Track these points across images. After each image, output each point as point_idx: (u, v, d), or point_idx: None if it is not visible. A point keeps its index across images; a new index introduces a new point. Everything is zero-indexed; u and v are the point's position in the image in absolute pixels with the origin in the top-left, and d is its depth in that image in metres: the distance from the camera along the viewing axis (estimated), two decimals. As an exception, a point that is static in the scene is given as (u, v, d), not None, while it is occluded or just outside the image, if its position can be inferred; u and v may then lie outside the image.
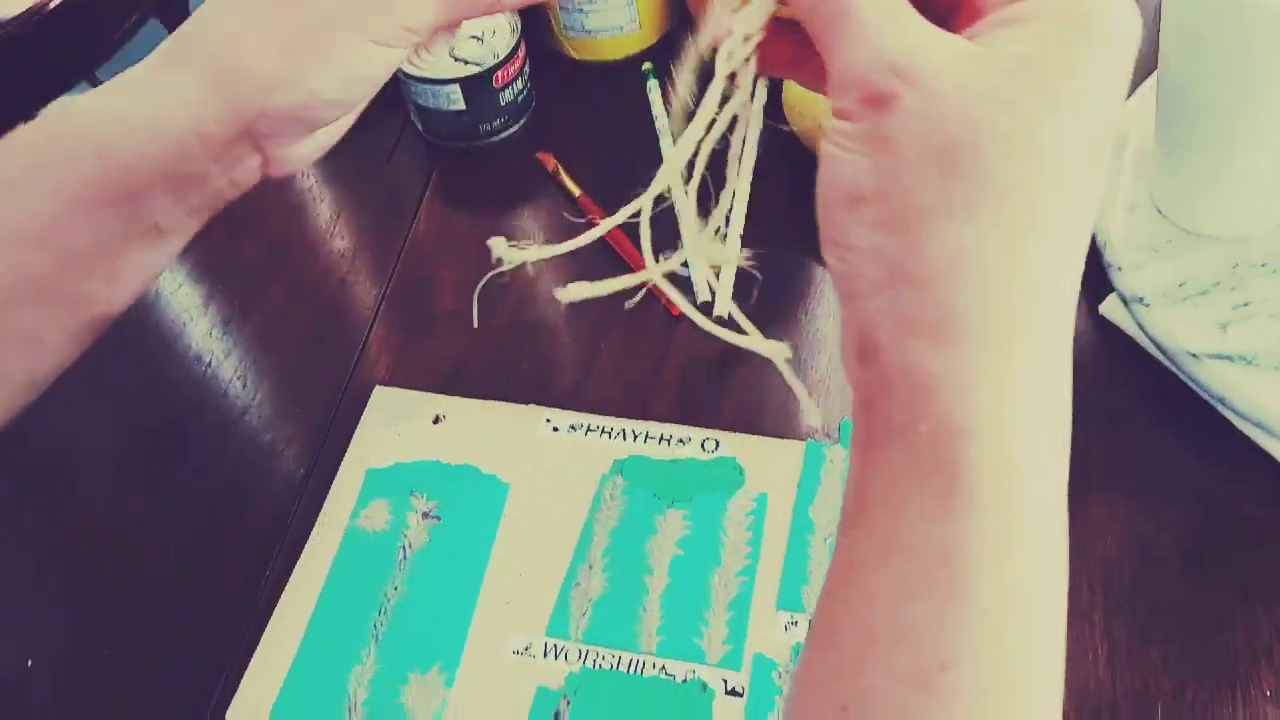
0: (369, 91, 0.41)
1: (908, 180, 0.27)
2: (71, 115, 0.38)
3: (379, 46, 0.39)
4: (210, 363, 0.65)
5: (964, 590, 0.26)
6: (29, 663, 0.53)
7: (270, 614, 0.53)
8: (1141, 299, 0.56)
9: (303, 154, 0.42)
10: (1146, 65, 0.57)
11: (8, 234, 0.37)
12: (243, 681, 0.51)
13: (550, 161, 0.71)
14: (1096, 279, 0.60)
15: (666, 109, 0.71)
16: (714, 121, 0.36)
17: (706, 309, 0.63)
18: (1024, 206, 0.27)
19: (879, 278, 0.27)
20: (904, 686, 0.26)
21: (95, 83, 1.50)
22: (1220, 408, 0.54)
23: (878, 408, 0.28)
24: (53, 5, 1.21)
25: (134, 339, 0.66)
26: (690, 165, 0.37)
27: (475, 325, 0.61)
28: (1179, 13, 0.51)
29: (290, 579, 0.54)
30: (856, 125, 0.27)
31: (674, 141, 0.37)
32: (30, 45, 1.26)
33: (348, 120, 0.43)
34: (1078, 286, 0.29)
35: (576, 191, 0.69)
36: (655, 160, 0.70)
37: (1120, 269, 0.58)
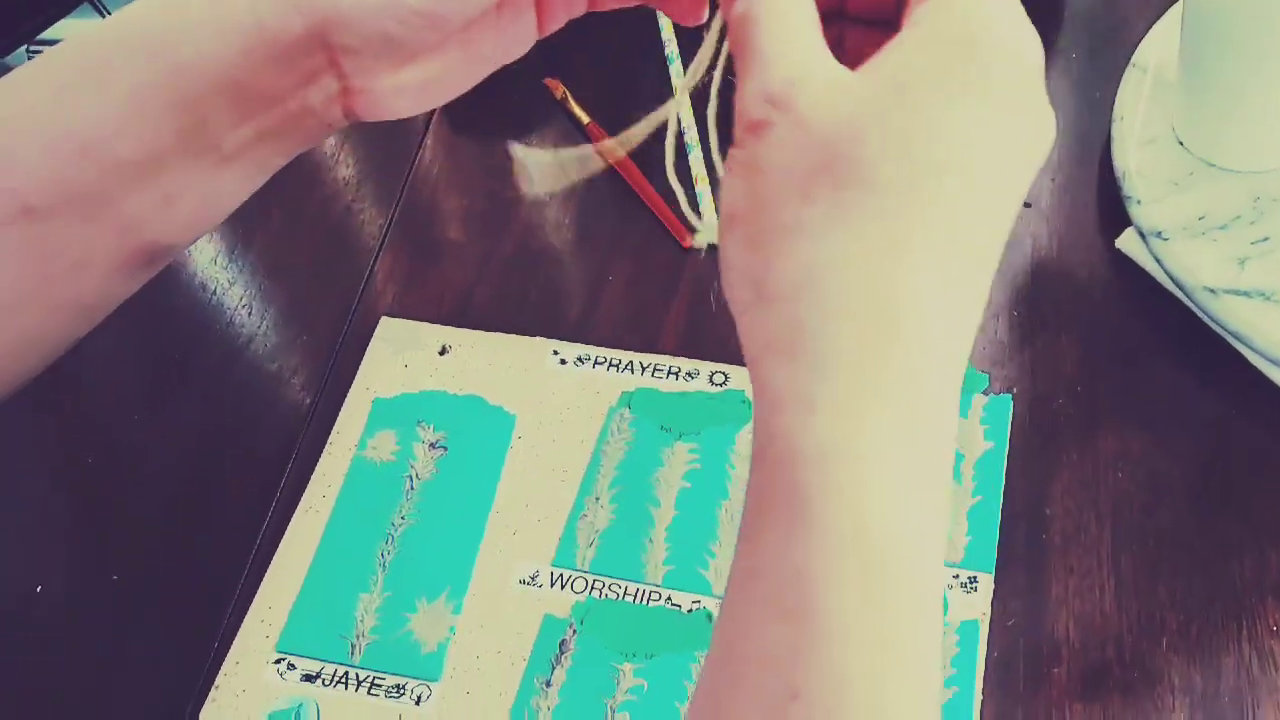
0: (457, 13, 0.34)
1: (771, 202, 0.27)
2: (131, 13, 0.34)
3: None
4: (215, 290, 0.64)
5: (810, 616, 0.25)
6: (38, 588, 0.54)
7: (277, 543, 0.53)
8: (1160, 233, 0.55)
9: (392, 88, 0.35)
10: (1172, -8, 0.56)
11: (52, 140, 0.33)
12: (250, 609, 0.51)
13: (558, 88, 0.69)
14: (1114, 213, 0.59)
15: (677, 35, 0.70)
16: (721, 48, 0.35)
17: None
18: (885, 230, 0.26)
19: (746, 296, 0.28)
20: (757, 715, 0.25)
21: (97, 4, 1.47)
22: (1236, 344, 0.54)
23: (755, 428, 0.28)
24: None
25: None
26: (706, 92, 0.36)
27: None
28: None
29: (297, 508, 0.54)
30: (739, 151, 0.28)
31: (684, 70, 0.36)
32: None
33: (457, 70, 0.37)
34: (970, 307, 0.28)
35: (585, 119, 0.68)
36: (665, 89, 0.69)
37: (1139, 202, 0.57)
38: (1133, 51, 0.63)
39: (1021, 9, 0.29)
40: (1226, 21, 0.52)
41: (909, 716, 0.25)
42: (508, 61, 0.38)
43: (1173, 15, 0.62)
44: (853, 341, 0.26)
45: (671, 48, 0.70)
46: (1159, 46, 0.62)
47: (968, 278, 0.28)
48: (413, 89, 0.36)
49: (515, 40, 0.38)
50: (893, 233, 0.26)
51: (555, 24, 0.38)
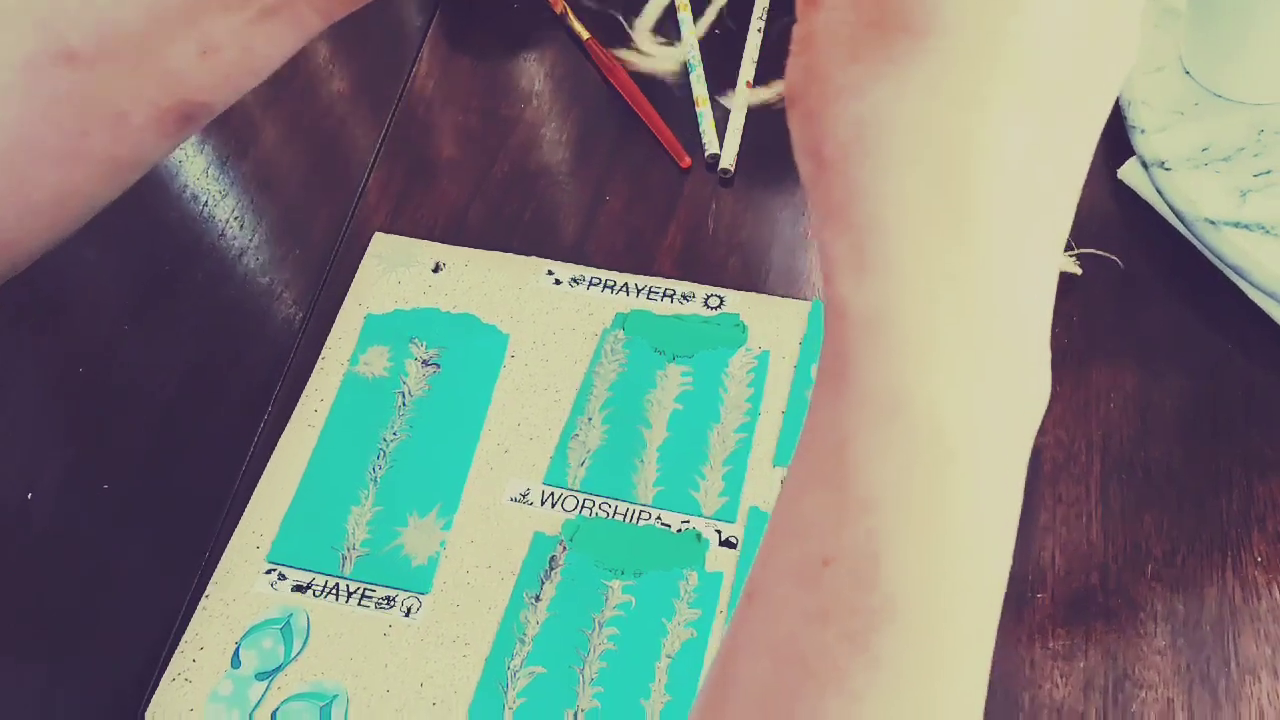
0: None
1: (822, 69, 0.26)
2: None
3: None
4: (207, 202, 0.63)
5: (847, 484, 0.24)
6: (29, 495, 0.54)
7: (269, 455, 0.53)
8: (1163, 163, 0.55)
9: None
10: (1186, -85, 0.55)
11: None
12: (241, 520, 0.51)
13: (558, 3, 0.68)
14: (1116, 142, 0.58)
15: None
16: None
17: (714, 160, 0.62)
18: (940, 73, 0.25)
19: (809, 169, 0.27)
20: (790, 580, 0.25)
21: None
22: (1234, 277, 0.54)
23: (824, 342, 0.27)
24: None
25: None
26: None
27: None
28: None
29: (289, 422, 0.54)
30: (797, 28, 0.27)
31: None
32: None
33: None
34: (1061, 162, 0.25)
35: (585, 34, 0.67)
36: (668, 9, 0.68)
37: (1143, 131, 0.56)
38: (1143, -22, 0.61)
39: None
40: (1241, -52, 0.51)
41: (955, 595, 0.24)
42: None
43: (1186, -59, 0.61)
44: (909, 197, 0.25)
45: (674, -35, 0.69)
46: (1170, -27, 0.61)
47: (1052, 124, 0.25)
48: None
49: None
50: (950, 75, 0.25)
51: None
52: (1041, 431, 0.51)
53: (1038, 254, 0.25)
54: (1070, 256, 0.55)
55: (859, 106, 0.25)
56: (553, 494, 0.52)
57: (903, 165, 0.25)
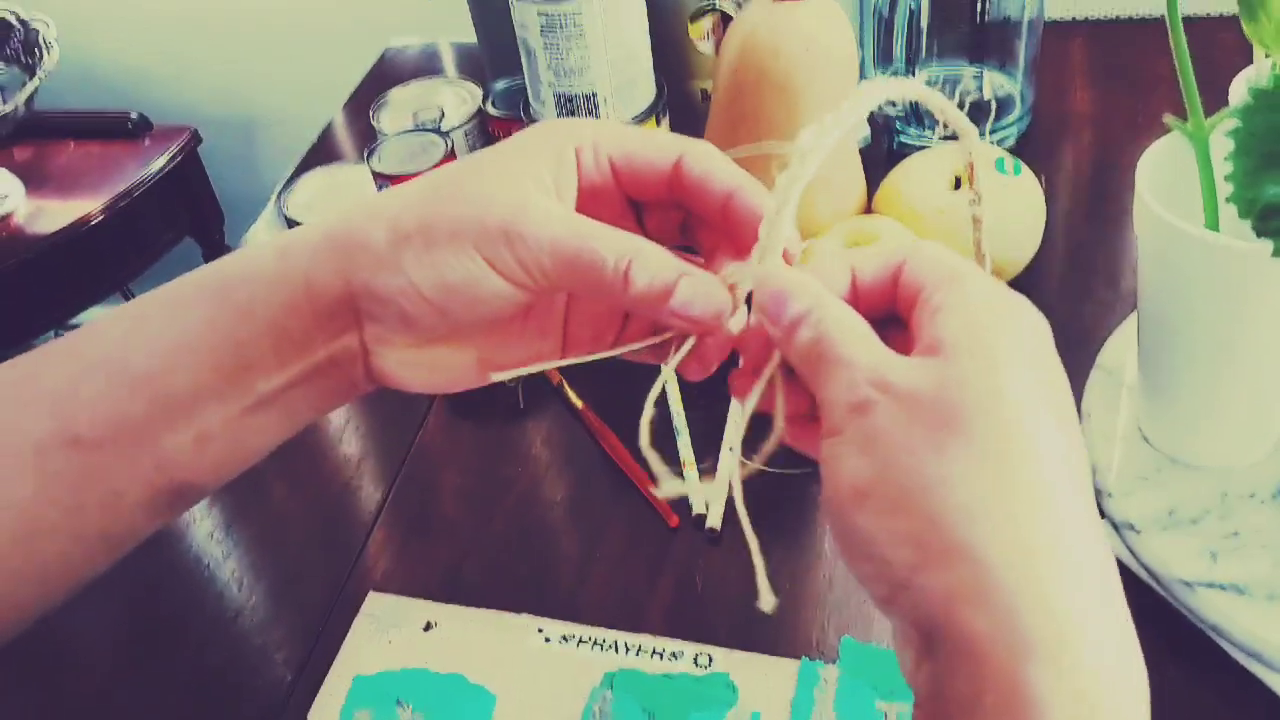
0: (467, 313, 0.37)
1: (902, 465, 0.30)
2: (215, 264, 0.38)
3: (490, 269, 0.36)
4: (209, 564, 0.65)
5: None
6: None
7: (244, 824, 0.51)
8: (1132, 525, 0.57)
9: (403, 364, 0.39)
10: (1131, 300, 0.60)
11: (114, 373, 0.36)
12: None
13: (555, 376, 0.73)
14: (1088, 505, 0.60)
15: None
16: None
17: (700, 520, 0.64)
18: (1019, 467, 0.30)
19: (911, 559, 0.30)
20: None
21: (128, 295, 1.56)
22: (1215, 636, 0.54)
23: (944, 693, 0.30)
24: (94, 221, 1.28)
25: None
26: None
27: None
28: (1154, 250, 0.54)
29: (268, 787, 0.53)
30: (847, 432, 0.32)
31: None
32: (71, 257, 1.33)
33: (467, 365, 0.40)
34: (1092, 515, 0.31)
35: (579, 404, 0.71)
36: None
37: (1110, 495, 0.58)
38: (1097, 353, 0.66)
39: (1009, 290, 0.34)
40: (1179, 331, 0.55)
41: None
42: (530, 368, 0.41)
43: (1131, 322, 0.67)
44: (1032, 562, 0.29)
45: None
46: (1120, 350, 0.66)
47: (1074, 478, 0.31)
48: (423, 368, 0.39)
49: (536, 355, 0.41)
50: (1026, 469, 0.30)
51: (579, 352, 0.42)
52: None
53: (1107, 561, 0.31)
54: None
55: (966, 497, 0.30)
56: None
57: (1012, 541, 0.29)
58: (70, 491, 0.36)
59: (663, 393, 0.70)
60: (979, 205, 0.38)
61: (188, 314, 0.37)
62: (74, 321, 1.40)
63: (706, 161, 0.39)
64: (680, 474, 0.66)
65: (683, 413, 0.69)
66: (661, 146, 0.39)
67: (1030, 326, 0.33)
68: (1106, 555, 0.31)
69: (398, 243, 0.36)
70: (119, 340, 0.37)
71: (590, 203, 0.39)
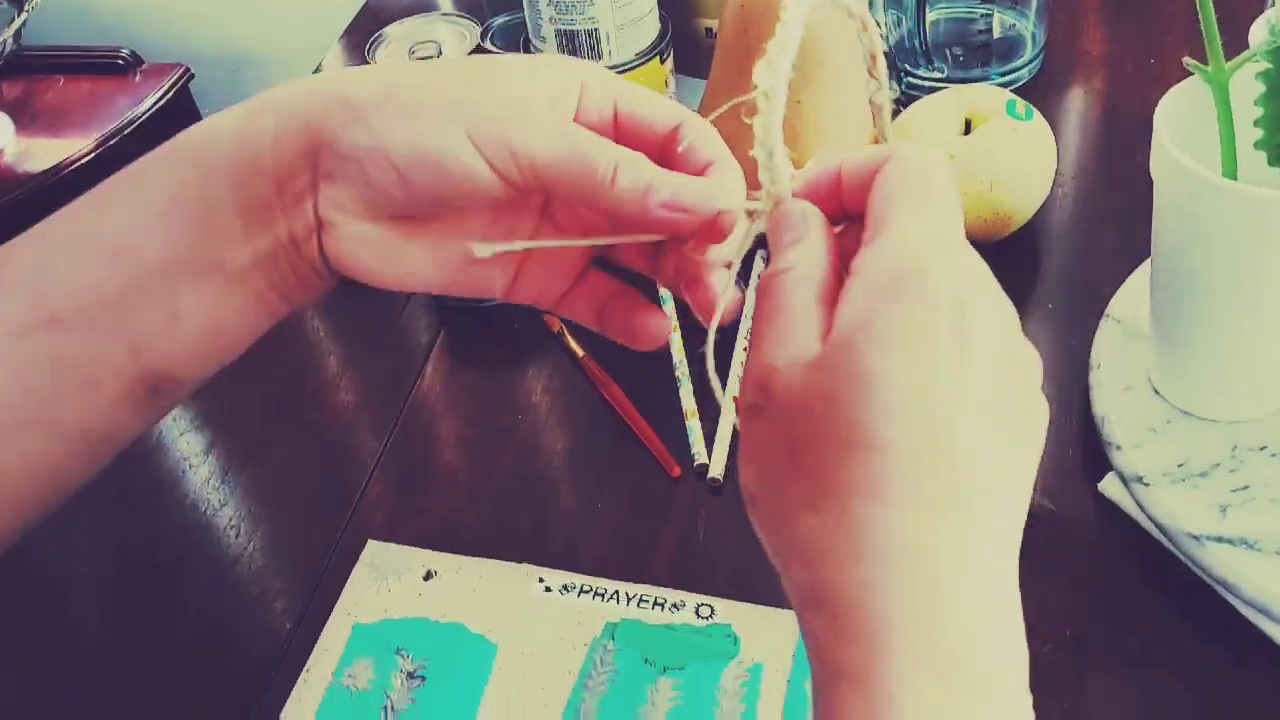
0: (430, 190, 0.36)
1: (772, 485, 0.31)
2: (190, 129, 0.37)
3: (472, 147, 0.35)
4: (206, 510, 0.65)
5: None
6: (-11, 816, 0.51)
7: (244, 773, 0.51)
8: (1141, 478, 0.56)
9: (355, 241, 0.37)
10: (1143, 248, 0.59)
11: (87, 246, 0.35)
12: (209, 845, 0.49)
13: (555, 323, 0.72)
14: (1096, 457, 0.60)
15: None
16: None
17: (703, 470, 0.63)
18: (863, 494, 0.29)
19: (777, 564, 0.31)
20: None
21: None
22: (1222, 590, 0.54)
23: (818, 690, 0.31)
24: (84, 160, 1.25)
25: (136, 479, 0.66)
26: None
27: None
28: (1171, 198, 0.53)
29: (267, 737, 0.53)
30: (745, 433, 0.32)
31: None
32: (61, 197, 1.31)
33: (420, 259, 0.38)
34: (986, 543, 0.30)
35: (580, 352, 0.70)
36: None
37: (1119, 448, 0.58)
38: (1107, 303, 0.65)
39: (948, 238, 0.32)
40: (1193, 281, 0.54)
41: None
42: (475, 291, 0.40)
43: (1142, 272, 0.66)
44: (868, 597, 0.29)
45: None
46: (1132, 299, 0.65)
47: (991, 506, 0.30)
48: (376, 247, 0.37)
49: (484, 282, 0.40)
50: (886, 484, 0.29)
51: (524, 296, 0.41)
52: (1043, 752, 0.50)
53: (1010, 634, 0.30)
54: None
55: (810, 521, 0.29)
56: (537, 818, 0.49)
57: (855, 573, 0.29)
58: (45, 379, 0.35)
59: (668, 346, 0.69)
60: (880, 93, 0.37)
61: (155, 178, 0.36)
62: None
63: (701, 135, 0.38)
64: (682, 423, 0.65)
65: (685, 361, 0.68)
66: (665, 109, 0.39)
67: (937, 302, 0.30)
68: (964, 569, 0.29)
69: (378, 101, 0.35)
70: (90, 215, 0.36)
71: None
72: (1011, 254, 0.72)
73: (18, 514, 0.37)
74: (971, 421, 0.29)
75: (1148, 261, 0.62)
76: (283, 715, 0.53)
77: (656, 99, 0.39)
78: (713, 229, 0.36)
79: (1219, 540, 0.53)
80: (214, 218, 0.36)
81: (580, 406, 0.68)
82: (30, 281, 0.35)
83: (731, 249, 0.37)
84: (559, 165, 0.35)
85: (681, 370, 0.68)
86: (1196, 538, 0.53)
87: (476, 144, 0.35)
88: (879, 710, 0.27)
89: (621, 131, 0.39)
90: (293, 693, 0.54)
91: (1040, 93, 0.84)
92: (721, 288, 0.38)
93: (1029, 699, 0.29)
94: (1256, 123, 0.43)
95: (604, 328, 0.41)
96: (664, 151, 0.38)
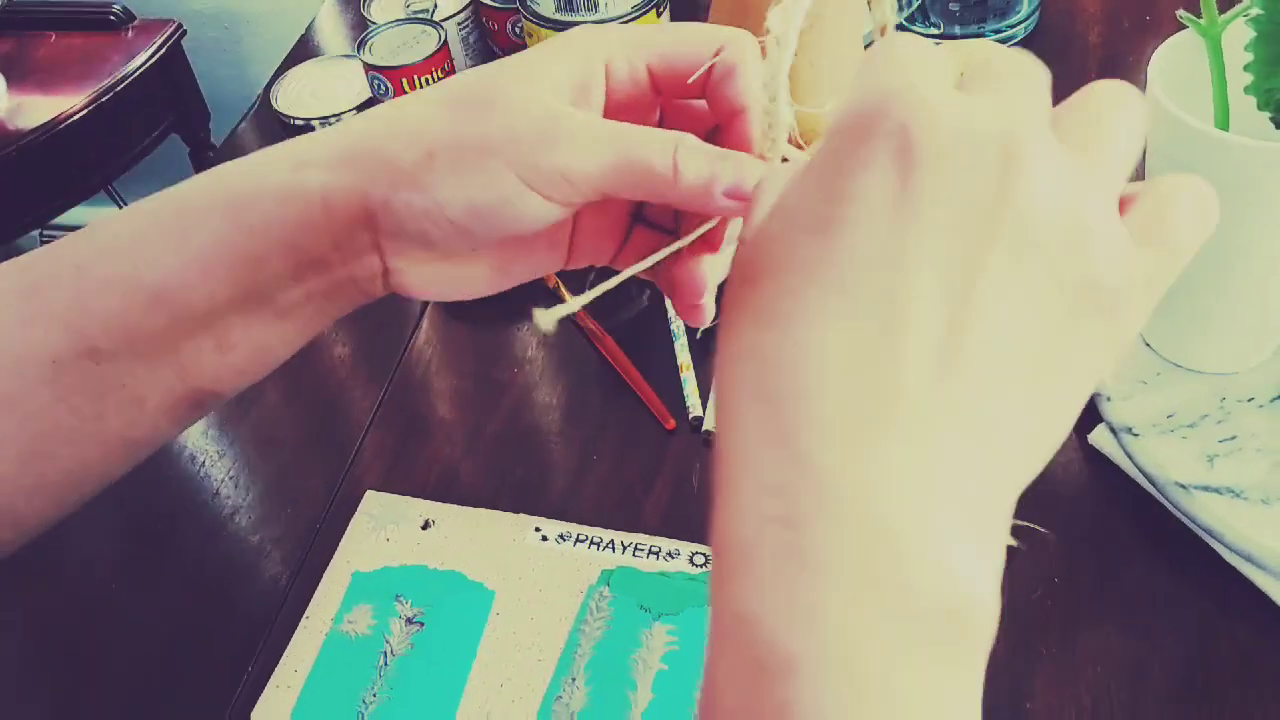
0: (493, 234, 0.36)
1: (727, 319, 0.28)
2: (218, 173, 0.37)
3: (525, 187, 0.35)
4: (204, 462, 0.65)
5: (713, 713, 0.25)
6: (-5, 758, 0.52)
7: (247, 717, 0.52)
8: (1130, 429, 0.57)
9: (423, 279, 0.38)
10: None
11: (126, 289, 0.35)
12: (212, 785, 0.50)
13: (551, 279, 0.72)
14: (1086, 408, 0.60)
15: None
16: None
17: (698, 423, 0.64)
18: (781, 308, 0.26)
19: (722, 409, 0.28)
20: None
21: (113, 194, 1.53)
22: (1209, 540, 0.54)
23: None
24: (77, 116, 1.25)
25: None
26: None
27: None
28: (1164, 150, 0.53)
29: (269, 681, 0.53)
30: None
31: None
32: (53, 154, 1.30)
33: (485, 277, 0.39)
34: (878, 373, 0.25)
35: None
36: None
37: (1109, 399, 0.58)
38: (1099, 258, 0.66)
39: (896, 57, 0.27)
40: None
41: None
42: (535, 277, 0.40)
43: (1136, 226, 0.66)
44: (738, 420, 0.26)
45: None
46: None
47: (866, 337, 0.25)
48: (442, 282, 0.38)
49: (543, 267, 0.40)
50: (761, 302, 0.26)
51: (581, 263, 0.41)
52: (1030, 697, 0.51)
53: (885, 462, 0.24)
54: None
55: (724, 350, 0.27)
56: (534, 759, 0.50)
57: (737, 394, 0.26)
58: (89, 400, 0.36)
59: (663, 302, 0.69)
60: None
61: (198, 231, 0.36)
62: (58, 222, 1.38)
63: (739, 54, 0.36)
64: (677, 376, 0.66)
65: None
66: (697, 40, 0.37)
67: (887, 129, 0.25)
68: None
69: (423, 161, 0.35)
70: (126, 255, 0.36)
71: (616, 115, 0.37)
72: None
73: (59, 510, 0.38)
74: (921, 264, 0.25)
75: (1140, 216, 0.62)
76: (282, 660, 0.54)
77: (683, 32, 0.37)
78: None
79: (1206, 490, 0.54)
80: (263, 268, 0.36)
81: (576, 360, 0.69)
82: (68, 317, 0.35)
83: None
84: (616, 174, 0.35)
85: (677, 325, 0.68)
86: (1185, 487, 0.54)
87: (528, 183, 0.34)
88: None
89: (661, 84, 0.37)
90: (293, 639, 0.55)
91: (1036, 48, 0.84)
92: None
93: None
94: (1246, 68, 0.43)
95: (657, 280, 0.40)
96: (706, 87, 0.37)
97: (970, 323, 0.24)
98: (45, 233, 1.67)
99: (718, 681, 0.25)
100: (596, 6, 0.72)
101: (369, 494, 0.61)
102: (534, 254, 0.39)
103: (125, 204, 1.57)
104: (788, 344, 0.25)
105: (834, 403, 0.24)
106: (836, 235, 0.25)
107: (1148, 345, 0.61)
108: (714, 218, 0.37)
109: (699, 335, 0.68)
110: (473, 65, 0.78)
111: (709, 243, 0.37)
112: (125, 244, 0.36)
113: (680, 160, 0.34)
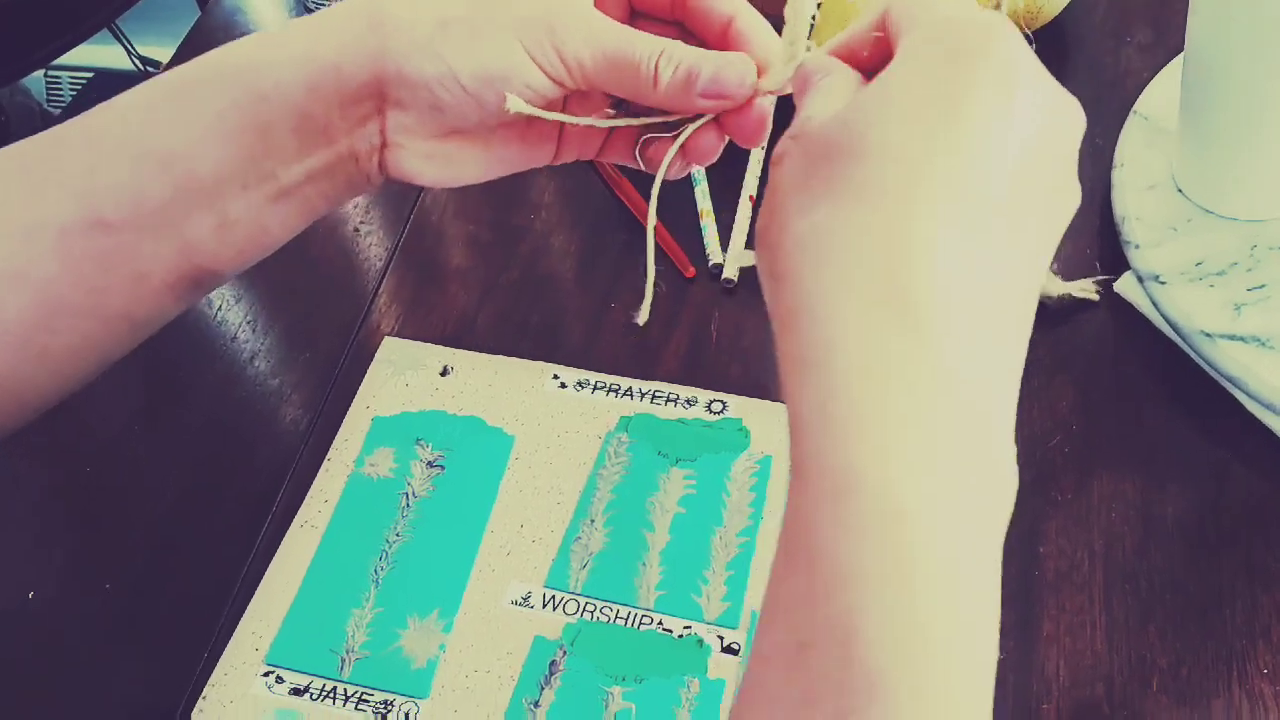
0: (496, 106, 0.37)
1: (780, 207, 0.30)
2: (232, 46, 0.38)
3: (529, 61, 0.36)
4: (221, 307, 0.65)
5: (814, 566, 0.26)
6: (30, 594, 0.54)
7: (272, 555, 0.53)
8: (1158, 277, 0.56)
9: (418, 158, 0.39)
10: (1175, 45, 0.57)
11: (136, 156, 0.36)
12: (241, 621, 0.51)
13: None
14: (1113, 257, 0.60)
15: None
16: None
17: (717, 270, 0.63)
18: (874, 187, 0.28)
19: (768, 290, 0.31)
20: (777, 667, 0.26)
21: (115, 32, 1.49)
22: (1231, 388, 0.54)
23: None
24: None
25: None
26: None
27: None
28: (1209, -13, 0.51)
29: (293, 522, 0.54)
30: (769, 182, 0.32)
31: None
32: (52, -9, 1.26)
33: (477, 161, 0.40)
34: (999, 264, 0.28)
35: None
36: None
37: (1138, 246, 0.57)
38: (1135, 99, 0.64)
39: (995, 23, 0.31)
40: (1226, 75, 0.53)
41: (937, 672, 0.25)
42: (519, 170, 0.42)
43: (1175, 66, 0.64)
44: (847, 294, 0.28)
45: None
46: (1161, 96, 0.63)
47: (986, 231, 0.28)
48: (438, 160, 0.39)
49: (532, 158, 0.42)
50: (878, 187, 0.28)
51: (569, 157, 0.42)
52: (1043, 540, 0.51)
53: (988, 349, 0.28)
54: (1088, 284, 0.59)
55: (802, 224, 0.29)
56: (554, 597, 0.51)
57: (841, 268, 0.28)
58: (95, 272, 0.37)
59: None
60: None
61: (211, 97, 0.37)
62: (60, 62, 1.34)
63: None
64: (698, 223, 0.65)
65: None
66: None
67: (997, 68, 0.29)
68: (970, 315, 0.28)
69: (439, 29, 0.36)
70: (139, 124, 0.37)
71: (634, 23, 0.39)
72: (1040, 48, 0.70)
73: (62, 388, 0.39)
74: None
75: (1179, 57, 0.60)
76: (306, 501, 0.55)
77: None
78: (748, 108, 0.37)
79: (1231, 338, 0.53)
80: (270, 137, 0.37)
81: (593, 207, 0.67)
82: (77, 186, 0.36)
83: (775, 81, 0.37)
84: (605, 66, 0.37)
85: (698, 172, 0.67)
86: (1210, 335, 0.54)
87: (533, 57, 0.36)
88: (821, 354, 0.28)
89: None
90: (315, 481, 0.56)
91: None
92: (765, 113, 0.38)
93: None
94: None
95: (649, 165, 0.41)
96: (675, 4, 0.39)
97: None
98: (50, 73, 1.64)
99: (822, 528, 0.26)
100: None
101: (387, 340, 0.61)
102: (526, 141, 0.41)
103: (129, 43, 1.53)
104: (915, 227, 0.28)
105: (958, 295, 0.27)
106: (960, 136, 0.28)
107: (1180, 192, 0.59)
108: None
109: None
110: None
111: (749, 120, 0.38)
112: (138, 113, 0.37)
113: (660, 62, 0.36)
